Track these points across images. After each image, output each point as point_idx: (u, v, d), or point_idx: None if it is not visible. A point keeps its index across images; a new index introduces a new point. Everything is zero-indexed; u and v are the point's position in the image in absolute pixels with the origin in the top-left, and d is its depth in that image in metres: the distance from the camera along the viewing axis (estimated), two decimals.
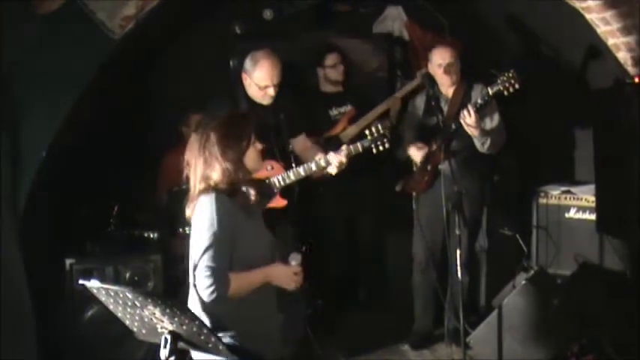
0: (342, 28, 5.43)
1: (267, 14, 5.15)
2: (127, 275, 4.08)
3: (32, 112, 3.76)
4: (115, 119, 4.85)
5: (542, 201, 4.80)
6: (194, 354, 2.44)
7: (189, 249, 2.58)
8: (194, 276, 2.49)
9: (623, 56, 3.94)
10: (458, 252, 3.84)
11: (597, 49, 4.23)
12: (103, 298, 2.32)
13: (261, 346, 2.55)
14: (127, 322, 2.40)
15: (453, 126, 4.15)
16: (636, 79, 3.82)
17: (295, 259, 2.68)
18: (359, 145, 3.82)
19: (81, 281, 2.39)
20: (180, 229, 3.90)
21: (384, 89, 5.43)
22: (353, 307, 5.20)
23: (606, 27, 3.88)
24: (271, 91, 3.85)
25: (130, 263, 4.11)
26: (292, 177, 3.82)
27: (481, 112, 4.09)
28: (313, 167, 3.79)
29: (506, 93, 3.98)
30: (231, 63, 5.02)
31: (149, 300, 2.21)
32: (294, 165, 3.87)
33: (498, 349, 3.91)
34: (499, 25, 5.20)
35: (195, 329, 2.26)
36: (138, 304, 2.24)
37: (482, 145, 4.19)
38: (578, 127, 5.06)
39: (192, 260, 2.53)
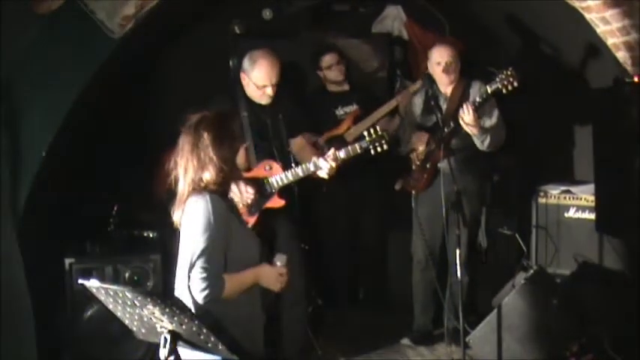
0: (342, 27, 5.43)
1: (267, 14, 5.15)
2: (127, 275, 4.08)
3: (32, 112, 3.76)
4: (114, 119, 4.86)
5: (542, 200, 4.80)
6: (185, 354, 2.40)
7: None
8: (189, 277, 2.46)
9: (623, 56, 3.94)
10: (457, 251, 3.84)
11: (597, 48, 4.24)
12: (102, 298, 2.32)
13: (247, 346, 2.53)
14: (127, 322, 2.40)
15: (452, 124, 4.15)
16: (635, 79, 3.82)
17: (280, 260, 2.68)
18: (357, 146, 3.81)
19: (80, 281, 2.40)
20: None
21: (384, 89, 5.44)
22: (353, 307, 5.20)
23: (606, 26, 3.89)
24: (270, 91, 3.85)
25: (129, 263, 4.11)
26: (290, 177, 3.81)
27: (480, 111, 4.09)
28: (311, 168, 3.79)
29: (505, 91, 3.97)
30: (230, 63, 5.01)
31: (148, 299, 2.22)
32: (293, 165, 3.87)
33: (498, 348, 3.90)
34: (498, 25, 5.20)
35: (194, 329, 2.26)
36: (137, 304, 2.24)
37: (481, 143, 4.19)
38: (578, 126, 5.06)
39: (183, 262, 2.51)
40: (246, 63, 3.89)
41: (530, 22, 4.87)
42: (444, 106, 4.30)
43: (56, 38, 3.78)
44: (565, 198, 4.71)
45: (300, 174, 3.81)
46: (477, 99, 4.07)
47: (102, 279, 3.92)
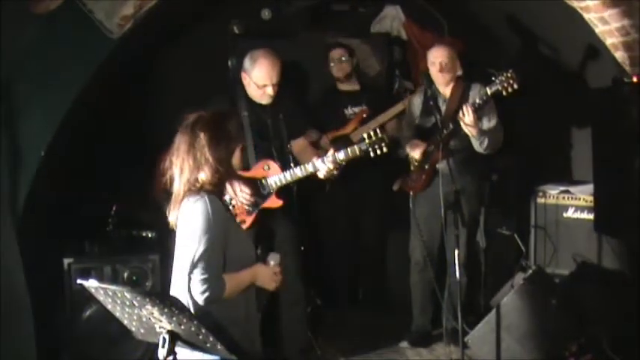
0: (340, 27, 5.43)
1: (266, 14, 5.15)
2: (125, 275, 4.08)
3: (31, 112, 3.76)
4: (113, 119, 4.86)
5: (541, 200, 4.80)
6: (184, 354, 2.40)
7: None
8: (189, 279, 2.45)
9: (622, 56, 3.94)
10: (456, 251, 3.84)
11: (596, 48, 4.24)
12: (101, 298, 2.32)
13: (245, 346, 2.52)
14: (125, 322, 2.40)
15: (451, 126, 4.15)
16: (634, 79, 3.82)
17: (274, 259, 2.68)
18: (356, 148, 3.78)
19: (79, 281, 2.41)
20: None
21: (383, 89, 5.44)
22: (352, 308, 5.20)
23: (605, 26, 3.89)
24: (270, 91, 3.85)
25: (128, 263, 4.11)
26: (289, 178, 3.81)
27: (479, 112, 4.09)
28: (310, 169, 3.78)
29: (504, 93, 3.96)
30: (230, 63, 5.02)
31: (147, 299, 2.21)
32: (292, 165, 3.87)
33: (497, 348, 3.90)
34: (497, 25, 5.20)
35: (193, 329, 2.26)
36: (136, 304, 2.24)
37: (479, 145, 4.19)
38: (577, 126, 5.06)
39: (181, 264, 2.50)
40: (247, 62, 3.89)
41: (528, 21, 4.87)
42: (443, 107, 4.30)
43: (55, 38, 3.78)
44: (564, 198, 4.72)
45: (299, 174, 3.80)
46: (477, 100, 4.07)
47: (101, 279, 3.92)
